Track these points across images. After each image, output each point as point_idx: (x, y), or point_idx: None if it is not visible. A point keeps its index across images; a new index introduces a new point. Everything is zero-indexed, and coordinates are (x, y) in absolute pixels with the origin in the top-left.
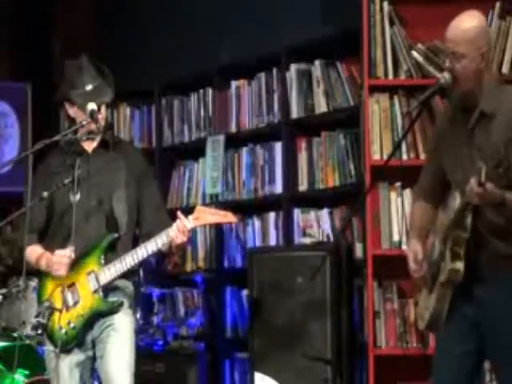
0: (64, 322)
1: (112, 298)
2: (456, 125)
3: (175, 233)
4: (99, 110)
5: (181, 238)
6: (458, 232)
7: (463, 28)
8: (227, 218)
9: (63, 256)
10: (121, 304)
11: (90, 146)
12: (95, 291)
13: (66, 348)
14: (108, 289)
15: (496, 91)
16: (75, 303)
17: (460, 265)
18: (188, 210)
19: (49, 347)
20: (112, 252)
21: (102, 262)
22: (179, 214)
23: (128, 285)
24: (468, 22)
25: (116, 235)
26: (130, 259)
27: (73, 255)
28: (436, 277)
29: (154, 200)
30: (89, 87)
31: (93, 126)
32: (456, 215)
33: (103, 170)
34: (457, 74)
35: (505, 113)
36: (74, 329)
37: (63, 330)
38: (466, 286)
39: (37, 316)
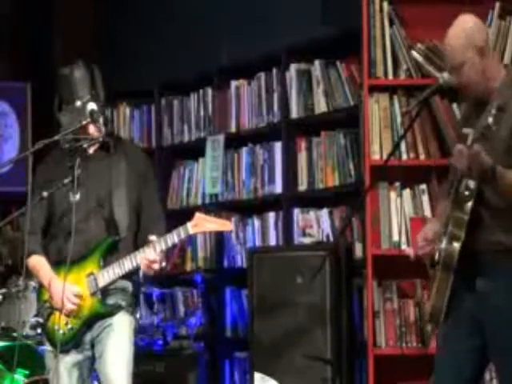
0: (62, 322)
1: (110, 301)
2: (471, 120)
3: (145, 266)
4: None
5: (151, 270)
6: (458, 214)
7: (452, 39)
8: (225, 226)
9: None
10: (119, 307)
11: (90, 148)
12: (93, 294)
13: (63, 348)
14: (107, 289)
15: (507, 86)
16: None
17: (456, 245)
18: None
19: (47, 347)
20: (112, 254)
21: (102, 264)
22: (151, 238)
23: (128, 285)
24: (455, 30)
25: (116, 238)
26: (128, 263)
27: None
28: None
29: (152, 207)
30: (77, 104)
31: (94, 132)
32: (454, 194)
33: (103, 172)
34: (465, 83)
35: None
36: (72, 330)
37: (61, 331)
38: (468, 280)
39: (36, 315)
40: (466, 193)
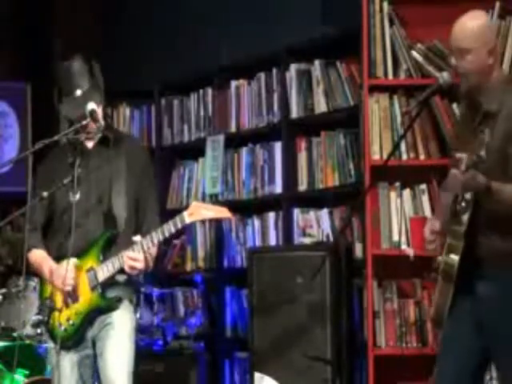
0: (63, 318)
1: (111, 295)
2: (465, 123)
3: (128, 267)
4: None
5: (136, 270)
6: (455, 226)
7: (467, 25)
8: (223, 213)
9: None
10: (119, 300)
11: (90, 142)
12: (94, 288)
13: (65, 345)
14: (107, 284)
15: (500, 91)
16: (75, 300)
17: (455, 258)
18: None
19: (50, 344)
20: (111, 249)
21: (101, 258)
22: (135, 238)
23: (128, 279)
24: (472, 19)
25: (114, 232)
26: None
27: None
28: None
29: (147, 205)
30: (77, 93)
31: (93, 126)
32: (451, 209)
33: (103, 167)
34: (463, 69)
35: (507, 109)
36: (73, 325)
37: (63, 327)
38: (468, 284)
39: (38, 313)
40: (463, 204)
